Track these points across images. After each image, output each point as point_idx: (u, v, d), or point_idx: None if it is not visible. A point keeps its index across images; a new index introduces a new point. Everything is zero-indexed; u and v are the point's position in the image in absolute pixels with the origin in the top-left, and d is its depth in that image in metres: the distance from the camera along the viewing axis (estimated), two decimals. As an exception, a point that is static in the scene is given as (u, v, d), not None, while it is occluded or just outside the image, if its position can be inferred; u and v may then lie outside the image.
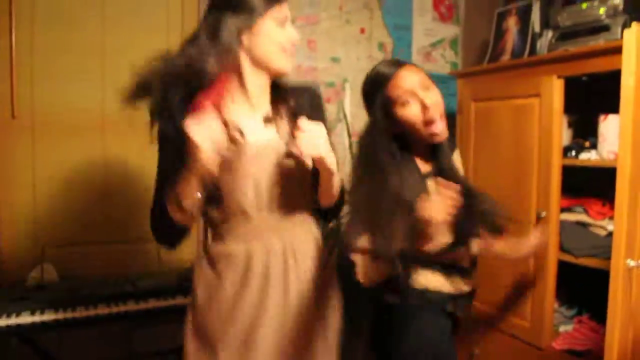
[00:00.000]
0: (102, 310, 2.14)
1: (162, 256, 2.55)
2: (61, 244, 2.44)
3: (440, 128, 1.62)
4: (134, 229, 2.64)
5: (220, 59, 1.38)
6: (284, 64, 1.50)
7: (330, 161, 1.39)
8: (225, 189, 1.45)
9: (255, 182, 1.46)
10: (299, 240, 1.55)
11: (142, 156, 2.69)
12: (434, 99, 1.61)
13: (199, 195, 1.35)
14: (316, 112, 1.53)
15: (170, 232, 1.49)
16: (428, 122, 1.61)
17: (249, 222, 1.49)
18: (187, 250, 2.74)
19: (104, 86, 2.61)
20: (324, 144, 1.36)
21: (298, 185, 1.52)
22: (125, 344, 2.39)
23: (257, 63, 1.47)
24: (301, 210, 1.56)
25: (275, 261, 1.50)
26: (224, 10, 1.41)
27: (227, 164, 1.40)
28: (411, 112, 1.60)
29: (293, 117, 1.48)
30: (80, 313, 2.10)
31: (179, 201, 1.35)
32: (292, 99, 1.54)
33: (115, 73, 2.62)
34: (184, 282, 2.36)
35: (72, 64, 2.55)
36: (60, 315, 2.07)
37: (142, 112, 2.59)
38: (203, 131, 1.22)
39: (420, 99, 1.60)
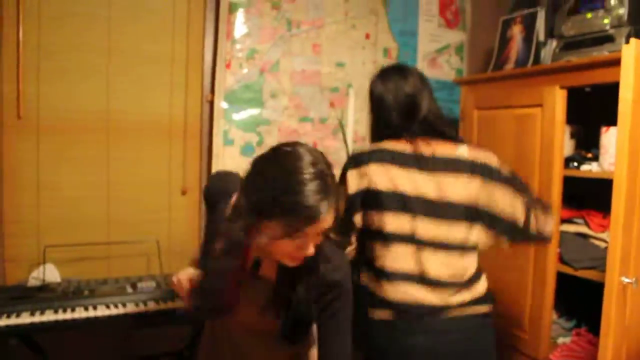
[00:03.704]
0: (102, 312, 2.16)
1: (163, 259, 2.58)
2: (64, 244, 2.46)
3: None
4: (137, 230, 2.67)
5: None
6: (287, 264, 1.36)
7: None
8: None
9: None
10: None
11: (145, 157, 2.73)
12: None
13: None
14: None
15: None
16: None
17: None
18: (189, 254, 2.79)
19: (110, 87, 2.63)
20: None
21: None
22: (124, 346, 2.41)
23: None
24: None
25: None
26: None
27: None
28: None
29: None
30: (79, 314, 2.12)
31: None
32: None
33: (121, 74, 2.65)
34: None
35: (78, 64, 2.57)
36: (60, 316, 2.09)
37: (146, 114, 2.66)
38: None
39: None
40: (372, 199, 1.75)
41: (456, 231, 1.72)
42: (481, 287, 1.76)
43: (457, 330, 1.71)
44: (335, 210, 1.27)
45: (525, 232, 1.72)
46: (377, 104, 1.89)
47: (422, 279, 1.71)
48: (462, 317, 1.72)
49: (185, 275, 1.58)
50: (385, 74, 1.90)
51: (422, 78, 1.88)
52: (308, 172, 1.22)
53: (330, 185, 1.26)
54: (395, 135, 1.80)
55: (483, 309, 1.75)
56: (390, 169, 1.75)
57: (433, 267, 1.70)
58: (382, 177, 1.74)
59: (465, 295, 1.72)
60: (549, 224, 1.74)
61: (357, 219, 1.79)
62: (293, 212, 1.21)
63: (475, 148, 1.79)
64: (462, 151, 1.77)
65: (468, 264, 1.74)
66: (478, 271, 1.77)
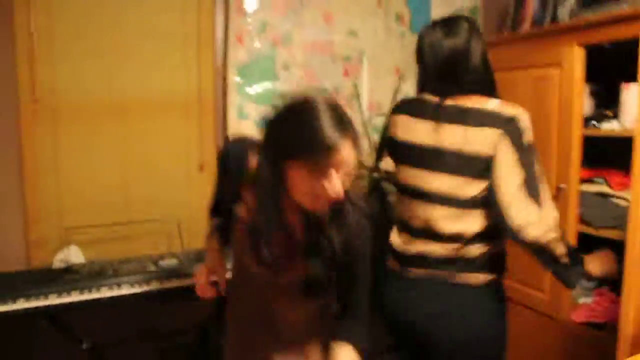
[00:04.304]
0: (127, 290, 2.20)
1: (184, 236, 2.60)
2: (86, 225, 2.49)
3: None
4: (156, 209, 2.70)
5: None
6: (317, 210, 1.36)
7: None
8: None
9: None
10: None
11: (161, 136, 2.74)
12: None
13: None
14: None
15: None
16: None
17: None
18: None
19: (122, 67, 2.64)
20: None
21: None
22: (149, 322, 2.45)
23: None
24: None
25: None
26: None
27: None
28: None
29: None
30: (104, 294, 2.16)
31: None
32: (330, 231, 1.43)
33: (133, 53, 2.65)
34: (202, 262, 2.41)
35: (91, 45, 2.57)
36: (85, 297, 2.13)
37: (160, 92, 2.66)
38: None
39: None
40: (394, 150, 1.86)
41: (469, 187, 1.66)
42: (477, 250, 1.70)
43: (445, 300, 1.72)
44: (356, 148, 1.29)
45: (501, 216, 1.59)
46: (418, 58, 1.83)
47: (427, 233, 1.72)
48: (451, 285, 1.71)
49: (197, 271, 1.65)
50: (431, 28, 1.80)
51: (470, 34, 1.73)
52: (322, 108, 1.27)
53: (347, 120, 1.29)
54: (431, 91, 1.77)
55: (476, 278, 1.70)
56: (410, 120, 1.77)
57: (440, 222, 1.70)
58: (402, 128, 1.80)
59: (464, 252, 1.70)
60: (537, 224, 1.54)
61: (386, 161, 1.90)
62: (312, 145, 1.24)
63: (508, 103, 1.69)
64: (492, 104, 1.68)
65: (474, 221, 1.68)
66: (483, 232, 1.69)
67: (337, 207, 1.36)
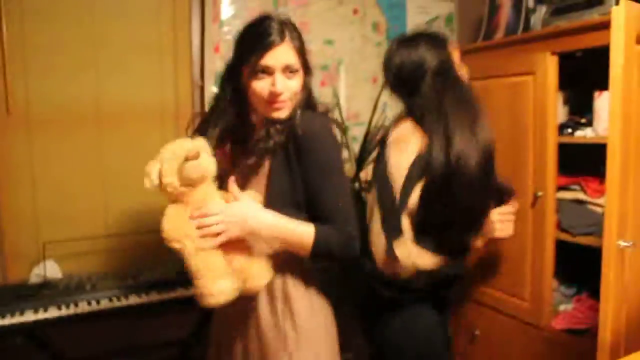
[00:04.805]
0: (105, 305, 2.17)
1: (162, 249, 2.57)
2: (62, 239, 2.45)
3: None
4: (135, 221, 2.67)
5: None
6: (271, 114, 1.49)
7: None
8: None
9: None
10: None
11: (138, 147, 2.70)
12: None
13: None
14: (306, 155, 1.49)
15: None
16: None
17: None
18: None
19: (99, 78, 2.60)
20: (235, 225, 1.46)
21: None
22: (129, 336, 2.42)
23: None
24: None
25: None
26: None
27: None
28: None
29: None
30: (82, 309, 2.13)
31: None
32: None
33: (109, 64, 2.62)
34: (183, 275, 2.39)
35: (66, 57, 2.53)
36: (63, 312, 2.10)
37: (137, 103, 2.63)
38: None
39: None
40: None
41: None
42: None
43: None
44: (297, 49, 1.45)
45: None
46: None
47: None
48: None
49: None
50: (392, 43, 1.84)
51: (427, 48, 1.74)
52: (271, 18, 1.45)
53: (291, 26, 1.46)
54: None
55: None
56: None
57: None
58: None
59: None
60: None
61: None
62: (256, 45, 1.41)
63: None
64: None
65: None
66: None
67: (292, 112, 1.49)
